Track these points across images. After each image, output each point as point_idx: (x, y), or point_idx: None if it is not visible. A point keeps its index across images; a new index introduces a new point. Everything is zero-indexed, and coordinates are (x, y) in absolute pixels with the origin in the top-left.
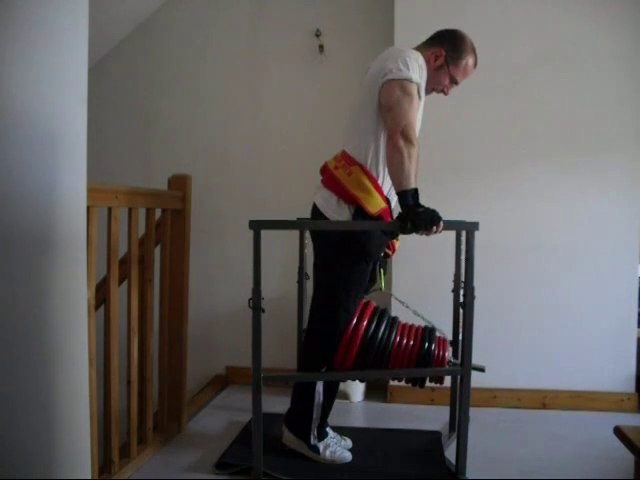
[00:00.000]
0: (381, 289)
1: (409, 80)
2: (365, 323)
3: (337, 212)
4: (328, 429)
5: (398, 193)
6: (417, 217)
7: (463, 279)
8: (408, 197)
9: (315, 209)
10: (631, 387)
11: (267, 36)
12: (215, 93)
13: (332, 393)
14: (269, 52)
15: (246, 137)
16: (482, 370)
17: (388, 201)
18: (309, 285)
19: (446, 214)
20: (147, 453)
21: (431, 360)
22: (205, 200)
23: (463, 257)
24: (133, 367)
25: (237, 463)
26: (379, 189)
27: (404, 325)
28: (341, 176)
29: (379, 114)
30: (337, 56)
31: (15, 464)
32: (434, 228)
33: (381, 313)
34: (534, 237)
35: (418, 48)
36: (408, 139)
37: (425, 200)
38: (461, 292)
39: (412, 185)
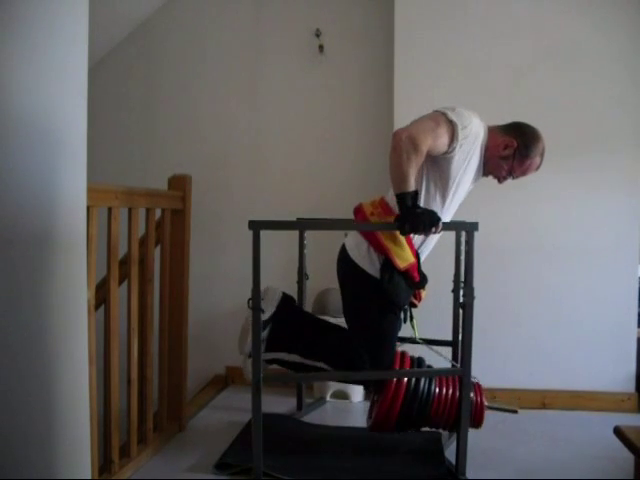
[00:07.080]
0: (416, 340)
1: (443, 114)
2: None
3: (366, 259)
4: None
5: (397, 195)
6: (416, 219)
7: (463, 279)
8: (407, 199)
9: (344, 251)
10: (631, 387)
11: (267, 36)
12: (215, 93)
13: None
14: (269, 52)
15: (246, 137)
16: (515, 412)
17: (417, 255)
18: (309, 285)
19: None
20: (147, 453)
21: (471, 407)
22: (205, 200)
23: (463, 257)
24: (133, 367)
25: (237, 463)
26: (411, 243)
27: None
28: None
29: (423, 168)
30: (337, 56)
31: (15, 464)
32: (433, 229)
33: (418, 364)
34: (534, 237)
35: (493, 128)
36: (414, 142)
37: None
38: (461, 292)
39: (411, 188)
